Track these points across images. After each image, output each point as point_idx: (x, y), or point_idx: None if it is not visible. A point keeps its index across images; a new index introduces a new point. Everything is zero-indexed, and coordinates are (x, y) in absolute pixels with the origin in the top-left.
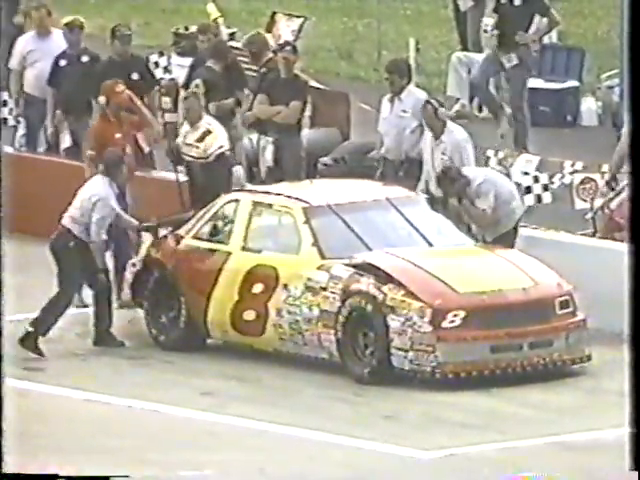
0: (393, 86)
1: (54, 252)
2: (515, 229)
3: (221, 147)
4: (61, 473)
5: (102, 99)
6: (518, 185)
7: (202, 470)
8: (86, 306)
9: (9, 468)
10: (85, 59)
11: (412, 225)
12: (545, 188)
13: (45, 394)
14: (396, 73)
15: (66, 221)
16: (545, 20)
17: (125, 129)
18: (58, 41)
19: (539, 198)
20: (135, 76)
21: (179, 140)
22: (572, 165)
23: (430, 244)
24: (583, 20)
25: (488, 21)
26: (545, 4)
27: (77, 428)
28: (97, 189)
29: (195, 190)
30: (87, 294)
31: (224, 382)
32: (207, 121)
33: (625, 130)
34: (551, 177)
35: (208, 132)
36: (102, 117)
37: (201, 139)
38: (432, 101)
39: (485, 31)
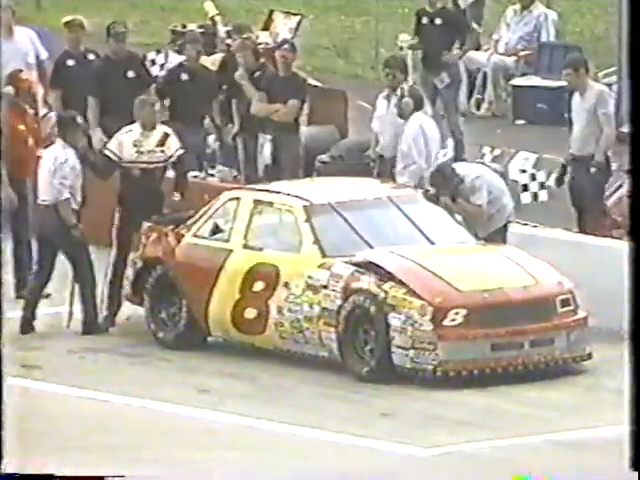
0: (394, 81)
1: (61, 236)
2: (505, 226)
3: (180, 148)
4: (58, 471)
5: (9, 89)
6: (515, 183)
7: (199, 468)
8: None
9: (5, 466)
10: (92, 57)
11: (413, 223)
12: (542, 186)
13: (42, 392)
14: (397, 68)
15: (50, 198)
16: (467, 36)
17: (30, 122)
18: (22, 39)
19: (535, 196)
20: (131, 74)
21: (126, 147)
22: None
23: (431, 242)
24: (581, 18)
25: (404, 37)
26: (465, 21)
27: (74, 426)
28: (56, 153)
29: (154, 195)
30: None
31: (221, 380)
32: (160, 127)
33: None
34: (548, 175)
35: (166, 135)
36: (8, 108)
37: (162, 143)
38: (403, 87)
39: (400, 48)
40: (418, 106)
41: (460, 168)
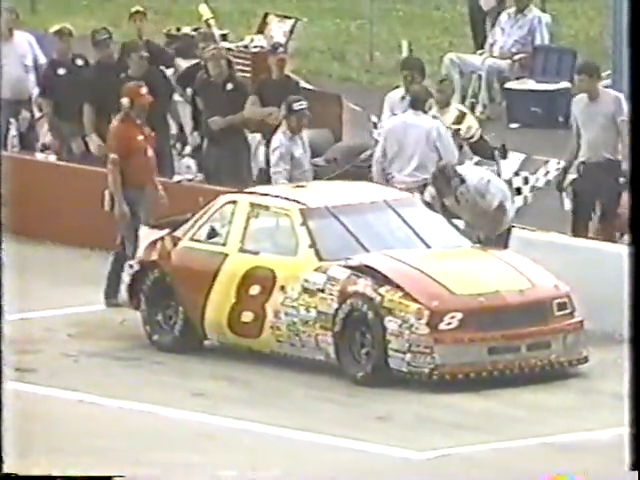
0: (412, 82)
1: None
2: (508, 229)
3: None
4: (51, 473)
5: (126, 101)
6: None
7: (194, 471)
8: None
9: (3, 469)
10: (80, 62)
11: (409, 227)
12: (532, 189)
13: (36, 395)
14: (415, 69)
15: None
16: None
17: (146, 132)
18: (21, 43)
19: (526, 200)
20: (124, 75)
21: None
22: (558, 163)
23: (427, 246)
24: (575, 21)
25: None
26: (169, 54)
27: (68, 429)
28: (275, 139)
29: None
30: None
31: (216, 383)
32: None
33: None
34: (535, 174)
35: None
36: (123, 119)
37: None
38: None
39: None
40: None
41: (464, 171)
